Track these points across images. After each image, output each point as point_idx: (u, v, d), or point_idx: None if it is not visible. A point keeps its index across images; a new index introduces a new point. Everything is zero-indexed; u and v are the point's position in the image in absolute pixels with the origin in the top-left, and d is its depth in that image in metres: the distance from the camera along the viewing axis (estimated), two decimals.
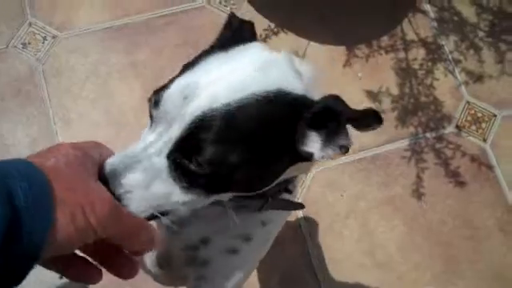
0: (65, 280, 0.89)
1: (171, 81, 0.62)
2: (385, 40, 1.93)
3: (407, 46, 1.93)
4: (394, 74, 1.88)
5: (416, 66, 1.90)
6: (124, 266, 0.58)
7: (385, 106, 1.83)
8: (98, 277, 0.57)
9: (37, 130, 1.75)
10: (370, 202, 1.73)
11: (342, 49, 1.91)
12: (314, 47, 1.89)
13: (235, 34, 0.68)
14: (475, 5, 2.00)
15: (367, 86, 1.85)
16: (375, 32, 1.95)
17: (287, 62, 0.64)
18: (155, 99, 0.61)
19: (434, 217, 1.72)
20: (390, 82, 1.87)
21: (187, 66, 0.63)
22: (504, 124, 1.85)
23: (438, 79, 1.89)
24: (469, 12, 1.99)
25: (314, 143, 0.62)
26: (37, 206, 0.45)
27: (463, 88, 1.89)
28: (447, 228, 1.71)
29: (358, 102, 1.81)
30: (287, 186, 0.78)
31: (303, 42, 1.89)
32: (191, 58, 0.65)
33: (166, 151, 0.59)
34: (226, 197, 0.67)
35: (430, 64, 1.91)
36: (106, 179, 0.56)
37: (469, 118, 1.85)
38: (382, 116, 0.60)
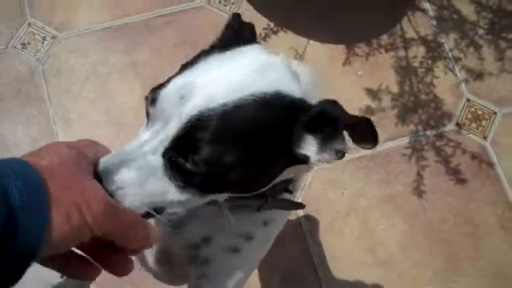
0: (64, 278, 0.90)
1: (169, 80, 0.62)
2: (384, 38, 1.93)
3: (407, 44, 1.93)
4: (393, 72, 1.88)
5: (416, 64, 1.90)
6: (118, 264, 0.58)
7: (385, 104, 1.83)
8: (94, 273, 0.57)
9: (37, 129, 1.75)
10: (371, 200, 1.73)
11: (341, 47, 1.91)
12: (314, 46, 1.89)
13: (236, 35, 0.68)
14: (474, 3, 2.00)
15: (367, 84, 1.85)
16: (375, 30, 1.95)
17: (285, 65, 0.64)
18: (152, 97, 0.61)
19: (435, 214, 1.72)
20: (389, 80, 1.87)
21: (185, 66, 0.63)
22: (504, 121, 1.85)
23: (437, 77, 1.89)
24: (468, 10, 1.99)
25: (310, 146, 0.62)
26: (32, 204, 0.45)
27: (463, 86, 1.89)
28: (448, 226, 1.72)
29: (358, 100, 1.81)
30: (287, 187, 0.78)
31: (303, 40, 1.89)
32: (190, 57, 0.65)
33: (161, 149, 0.59)
34: (222, 197, 0.66)
35: (429, 62, 1.91)
36: (100, 177, 0.56)
37: (469, 116, 1.85)
38: (375, 127, 0.60)
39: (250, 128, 0.59)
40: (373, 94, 1.84)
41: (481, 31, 1.96)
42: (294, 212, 1.61)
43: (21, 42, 1.85)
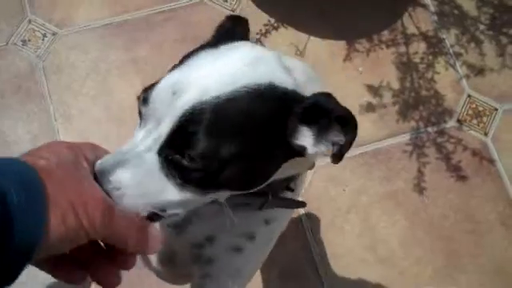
0: None
1: (160, 79, 0.62)
2: (385, 34, 1.92)
3: (408, 40, 1.93)
4: (394, 68, 1.88)
5: (417, 60, 1.90)
6: (108, 275, 0.57)
7: (386, 100, 1.83)
8: (84, 280, 0.56)
9: (37, 126, 1.75)
10: (372, 197, 1.73)
11: (342, 43, 1.91)
12: (315, 42, 1.89)
13: (228, 31, 0.69)
14: None
15: (368, 80, 1.85)
16: (376, 26, 1.94)
17: (277, 59, 0.64)
18: (144, 97, 0.61)
19: (436, 211, 1.72)
20: (390, 76, 1.86)
21: (176, 65, 0.63)
22: (505, 118, 1.84)
23: (438, 73, 1.89)
24: (469, 5, 1.98)
25: (305, 138, 0.62)
26: (30, 203, 0.45)
27: (464, 81, 1.89)
28: (449, 222, 1.72)
29: (358, 96, 1.81)
30: (288, 185, 0.78)
31: (303, 36, 1.89)
32: None
33: (156, 147, 0.58)
34: (223, 196, 0.66)
35: (430, 58, 1.91)
36: (97, 178, 0.56)
37: (470, 112, 1.84)
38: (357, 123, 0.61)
39: (244, 120, 0.59)
40: (374, 90, 1.83)
41: (482, 27, 1.96)
42: (295, 210, 1.61)
43: (21, 38, 1.85)
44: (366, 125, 1.76)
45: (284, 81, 0.62)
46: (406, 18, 1.95)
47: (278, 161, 0.64)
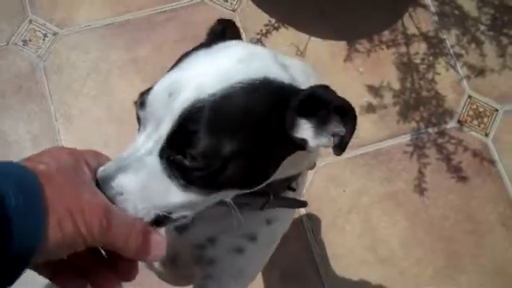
0: None
1: (156, 83, 0.62)
2: (386, 35, 1.92)
3: (408, 40, 1.93)
4: (395, 69, 1.88)
5: (417, 61, 1.90)
6: (108, 284, 0.57)
7: (386, 100, 1.83)
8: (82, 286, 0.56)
9: (38, 126, 1.75)
10: (372, 198, 1.73)
11: (342, 44, 1.91)
12: (315, 42, 1.89)
13: (219, 34, 0.70)
14: None
15: (368, 80, 1.85)
16: (376, 27, 1.94)
17: (271, 56, 0.64)
18: (141, 101, 0.61)
19: (436, 212, 1.72)
20: (391, 77, 1.86)
21: (171, 69, 0.64)
22: (506, 118, 1.84)
23: (439, 73, 1.89)
24: (470, 6, 1.98)
25: (305, 131, 0.62)
26: (28, 207, 0.44)
27: (465, 82, 1.89)
28: (449, 223, 1.72)
29: (359, 96, 1.81)
30: (290, 184, 0.78)
31: (304, 37, 1.89)
32: None
33: (157, 149, 0.58)
34: (228, 196, 0.66)
35: (431, 58, 1.91)
36: (99, 184, 0.56)
37: (470, 113, 1.84)
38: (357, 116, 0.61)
39: (243, 115, 0.59)
40: (374, 90, 1.83)
41: (482, 27, 1.96)
42: (296, 210, 1.61)
43: (22, 38, 1.85)
44: (366, 125, 1.76)
45: (279, 75, 0.62)
46: (406, 19, 1.95)
47: (279, 156, 0.64)
